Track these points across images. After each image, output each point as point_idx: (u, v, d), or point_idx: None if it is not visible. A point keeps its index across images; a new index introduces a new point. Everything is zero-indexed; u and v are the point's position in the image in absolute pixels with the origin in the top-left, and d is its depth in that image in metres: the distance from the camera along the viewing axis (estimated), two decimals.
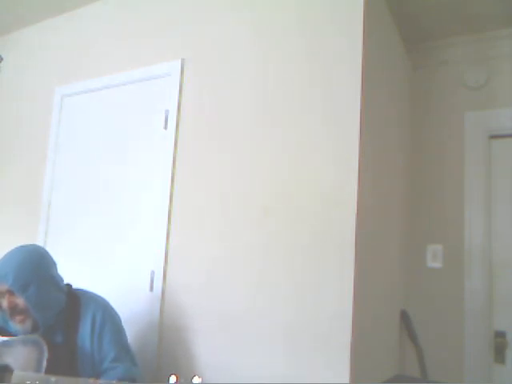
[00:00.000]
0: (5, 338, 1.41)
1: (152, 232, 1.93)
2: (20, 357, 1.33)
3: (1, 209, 2.63)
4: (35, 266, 1.41)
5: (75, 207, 2.25)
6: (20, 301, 1.37)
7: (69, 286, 1.56)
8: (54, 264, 1.51)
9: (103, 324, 1.46)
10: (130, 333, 1.61)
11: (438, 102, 2.31)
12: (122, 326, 1.55)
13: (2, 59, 2.58)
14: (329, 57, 1.63)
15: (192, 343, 1.74)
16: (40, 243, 2.30)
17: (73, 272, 1.70)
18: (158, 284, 1.87)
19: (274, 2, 1.81)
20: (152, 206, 1.96)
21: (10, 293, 1.37)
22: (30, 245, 1.52)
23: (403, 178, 2.25)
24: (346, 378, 1.40)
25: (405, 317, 2.12)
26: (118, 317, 1.56)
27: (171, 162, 1.93)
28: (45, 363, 1.30)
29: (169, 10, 2.13)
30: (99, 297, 1.57)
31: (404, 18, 2.09)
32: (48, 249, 2.23)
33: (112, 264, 2.03)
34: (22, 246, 1.48)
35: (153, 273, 1.89)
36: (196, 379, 1.05)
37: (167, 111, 2.00)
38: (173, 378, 1.05)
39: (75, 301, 1.50)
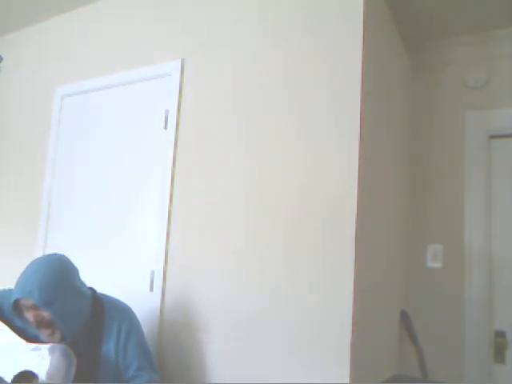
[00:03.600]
0: (33, 345, 1.41)
1: (152, 232, 1.93)
2: (48, 365, 1.33)
3: (1, 208, 2.63)
4: (59, 280, 1.40)
5: (75, 207, 2.25)
6: (46, 314, 1.37)
7: (92, 290, 1.57)
8: (76, 272, 1.52)
9: (128, 335, 1.50)
10: None
11: (438, 102, 2.31)
12: (145, 335, 1.59)
13: (1, 59, 2.58)
14: (329, 57, 1.63)
15: (192, 343, 1.74)
16: (40, 244, 2.30)
17: None
18: (158, 284, 1.87)
19: (274, 2, 1.81)
20: (152, 206, 1.96)
21: (36, 307, 1.37)
22: (52, 255, 1.51)
23: (403, 177, 2.25)
24: (346, 378, 1.40)
25: (405, 317, 2.12)
26: (140, 325, 1.59)
27: (171, 162, 1.93)
28: (73, 374, 1.31)
29: (169, 10, 2.13)
30: (124, 305, 1.60)
31: (404, 18, 2.08)
32: (48, 249, 2.27)
33: (112, 264, 2.03)
34: (43, 258, 1.48)
35: (153, 273, 1.89)
36: None
37: (167, 111, 2.00)
38: None
39: (100, 308, 1.51)
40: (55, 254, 1.52)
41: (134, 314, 1.59)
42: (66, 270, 1.46)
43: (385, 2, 1.92)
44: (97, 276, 2.01)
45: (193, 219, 1.85)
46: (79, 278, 1.52)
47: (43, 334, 1.40)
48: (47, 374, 1.31)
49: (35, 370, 1.33)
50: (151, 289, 1.88)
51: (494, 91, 2.18)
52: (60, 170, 2.36)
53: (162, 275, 1.86)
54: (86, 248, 2.14)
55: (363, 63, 1.57)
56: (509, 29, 2.13)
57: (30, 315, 1.38)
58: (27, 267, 1.43)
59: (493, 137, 2.18)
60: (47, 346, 1.38)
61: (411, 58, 2.36)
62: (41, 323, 1.38)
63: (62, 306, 1.37)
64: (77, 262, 2.10)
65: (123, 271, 1.99)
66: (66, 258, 1.53)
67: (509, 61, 2.16)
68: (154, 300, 1.86)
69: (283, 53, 1.74)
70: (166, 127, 1.99)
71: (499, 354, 2.02)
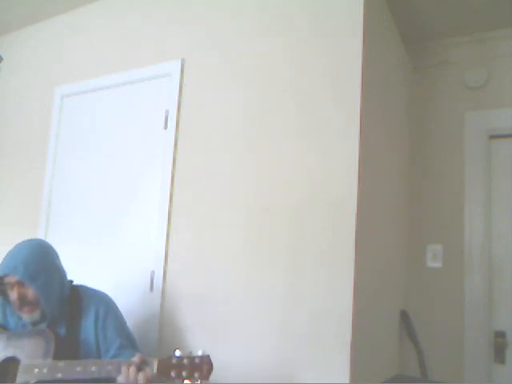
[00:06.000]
0: (11, 332, 1.44)
1: (152, 232, 1.93)
2: (27, 348, 1.36)
3: (1, 208, 2.63)
4: (43, 257, 1.47)
5: (75, 207, 2.25)
6: (29, 291, 1.41)
7: (70, 281, 1.59)
8: (58, 256, 1.57)
9: (106, 317, 1.51)
10: None
11: (438, 102, 2.31)
12: (124, 318, 1.59)
13: (1, 59, 2.57)
14: (329, 57, 1.64)
15: (192, 343, 1.74)
16: None
17: (73, 272, 1.70)
18: (158, 284, 1.87)
19: (274, 1, 1.81)
20: (152, 206, 1.96)
21: (20, 284, 1.41)
22: (36, 238, 1.59)
23: (403, 178, 2.25)
24: (346, 378, 1.40)
25: (405, 317, 2.12)
26: (118, 309, 1.60)
27: (171, 162, 1.93)
28: (52, 351, 1.32)
29: (169, 10, 2.13)
30: (100, 291, 1.61)
31: (404, 18, 2.09)
32: None
33: (112, 264, 2.03)
34: (27, 240, 1.54)
35: (153, 273, 1.89)
36: (199, 352, 1.15)
37: (167, 111, 2.00)
38: (178, 352, 1.15)
39: (77, 295, 1.54)
40: (38, 238, 1.60)
41: (111, 299, 1.60)
42: (48, 251, 1.53)
43: (385, 2, 1.92)
44: (97, 276, 2.02)
45: (193, 219, 1.85)
46: (60, 261, 1.57)
47: (24, 312, 1.42)
48: (28, 356, 1.33)
49: (18, 355, 1.35)
50: (151, 289, 1.88)
51: (494, 91, 2.18)
52: (60, 170, 2.36)
53: (162, 275, 1.86)
54: (86, 248, 2.14)
55: (363, 63, 1.57)
56: (509, 29, 2.13)
57: (13, 293, 1.41)
58: (11, 249, 1.49)
59: (493, 137, 2.18)
60: (25, 331, 1.43)
61: (411, 57, 2.36)
62: (23, 301, 1.41)
63: (45, 281, 1.41)
64: (77, 261, 2.11)
65: (123, 271, 1.99)
66: (49, 242, 1.60)
67: (509, 61, 2.16)
68: (154, 300, 1.86)
69: (283, 53, 1.74)
70: (166, 127, 1.99)
71: (499, 353, 2.02)
